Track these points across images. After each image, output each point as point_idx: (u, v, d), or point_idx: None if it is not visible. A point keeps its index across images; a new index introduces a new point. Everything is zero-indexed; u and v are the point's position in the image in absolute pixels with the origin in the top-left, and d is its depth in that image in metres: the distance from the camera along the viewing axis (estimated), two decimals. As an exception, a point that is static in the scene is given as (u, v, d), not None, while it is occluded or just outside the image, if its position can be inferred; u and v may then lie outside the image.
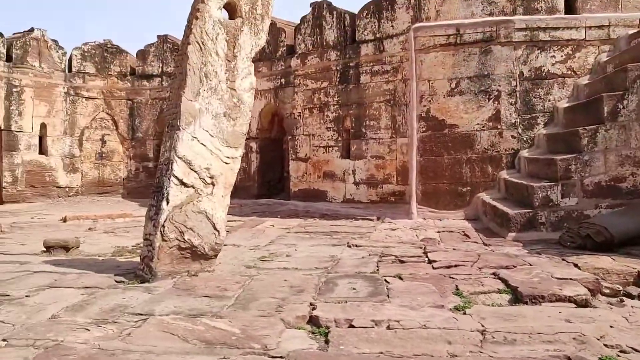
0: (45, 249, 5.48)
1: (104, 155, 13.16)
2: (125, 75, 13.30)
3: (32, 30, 12.10)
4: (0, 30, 11.34)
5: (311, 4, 10.22)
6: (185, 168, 4.08)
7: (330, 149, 9.86)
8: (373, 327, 2.72)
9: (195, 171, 4.13)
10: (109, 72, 13.15)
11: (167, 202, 3.99)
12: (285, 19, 11.43)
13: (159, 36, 13.25)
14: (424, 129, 7.87)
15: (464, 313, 3.00)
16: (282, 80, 10.60)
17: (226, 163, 4.34)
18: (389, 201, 8.97)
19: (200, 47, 4.20)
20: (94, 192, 12.91)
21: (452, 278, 3.84)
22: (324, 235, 6.36)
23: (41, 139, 12.07)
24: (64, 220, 8.47)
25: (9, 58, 11.46)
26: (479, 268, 4.18)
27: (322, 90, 9.93)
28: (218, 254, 4.35)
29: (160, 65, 13.10)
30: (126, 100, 13.24)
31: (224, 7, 4.37)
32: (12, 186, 11.46)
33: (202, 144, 4.19)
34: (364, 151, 9.34)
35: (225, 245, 4.66)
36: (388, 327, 2.72)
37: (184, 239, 4.05)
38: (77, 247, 5.63)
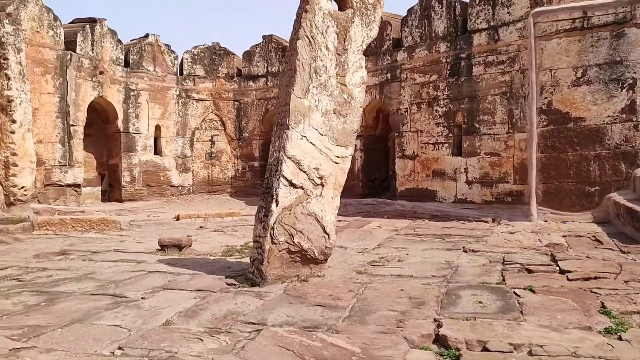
0: (160, 247, 5.61)
1: (213, 155, 13.58)
2: (232, 76, 13.63)
3: (146, 36, 12.73)
4: (119, 37, 11.96)
5: (419, -6, 9.81)
6: (295, 168, 3.91)
7: (440, 145, 9.39)
8: (512, 351, 2.36)
9: (305, 171, 3.95)
10: (217, 74, 13.54)
11: (277, 204, 3.84)
12: (390, 11, 11.08)
13: (264, 36, 13.43)
14: (545, 123, 7.21)
15: (619, 338, 2.55)
16: (388, 75, 10.27)
17: (336, 163, 4.12)
18: (505, 201, 8.36)
19: (310, 42, 4.01)
20: (204, 191, 13.36)
21: (595, 293, 3.35)
22: (436, 239, 5.98)
23: (156, 140, 12.67)
24: (177, 218, 8.75)
25: (126, 63, 12.12)
26: (625, 281, 3.63)
27: (431, 84, 9.48)
28: (328, 258, 4.15)
29: (266, 65, 13.26)
30: (233, 101, 13.57)
31: (333, -1, 4.16)
32: (131, 185, 12.12)
33: (311, 142, 4.00)
34: (477, 148, 8.77)
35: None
36: (530, 353, 2.34)
37: (293, 242, 3.89)
38: (190, 246, 5.72)
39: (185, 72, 13.32)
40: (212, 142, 13.60)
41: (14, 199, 8.47)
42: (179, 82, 13.12)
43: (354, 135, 4.26)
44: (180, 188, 13.07)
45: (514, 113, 8.28)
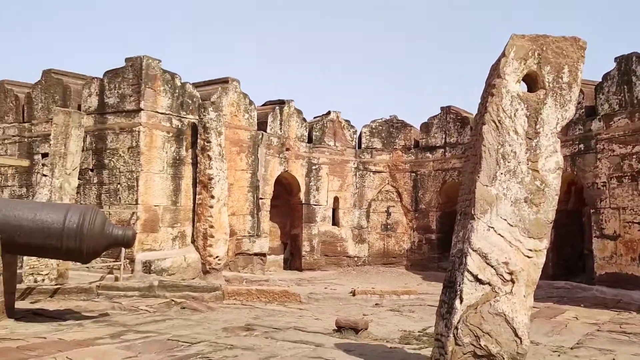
0: (336, 329, 5.58)
1: (388, 226, 13.57)
2: (409, 148, 13.68)
3: (328, 113, 13.47)
4: (304, 115, 12.85)
5: (616, 59, 8.92)
6: (481, 262, 3.61)
7: (648, 225, 8.17)
8: None
9: (492, 266, 3.63)
10: (394, 146, 13.71)
11: (461, 301, 3.56)
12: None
13: (442, 108, 13.35)
14: None
15: None
16: (581, 145, 9.39)
17: (528, 257, 3.72)
18: None
19: (497, 126, 3.77)
20: (379, 263, 13.31)
21: None
22: (651, 341, 5.06)
23: (334, 211, 13.10)
24: (353, 294, 8.75)
25: (309, 139, 12.89)
26: None
27: (634, 156, 8.40)
28: (520, 365, 3.69)
29: (443, 136, 13.09)
30: (409, 172, 13.55)
31: (522, 80, 3.90)
32: (310, 254, 12.58)
33: (499, 234, 3.68)
34: (697, 229, 7.46)
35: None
36: None
37: (479, 344, 3.54)
38: (366, 329, 5.60)
39: (363, 145, 13.74)
40: (388, 214, 13.63)
41: (209, 268, 9.25)
42: (357, 155, 13.55)
43: (549, 227, 3.84)
44: (356, 259, 13.20)
45: None
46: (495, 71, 3.87)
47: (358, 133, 13.87)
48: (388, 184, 13.65)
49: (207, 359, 4.26)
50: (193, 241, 9.47)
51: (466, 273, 3.60)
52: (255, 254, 11.12)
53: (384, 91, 39.86)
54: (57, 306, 6.79)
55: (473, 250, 3.62)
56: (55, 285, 7.43)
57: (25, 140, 10.07)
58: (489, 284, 3.62)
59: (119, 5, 39.25)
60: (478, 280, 3.60)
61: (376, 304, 7.88)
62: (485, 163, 3.75)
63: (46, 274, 7.60)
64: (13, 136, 10.25)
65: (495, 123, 3.79)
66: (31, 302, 6.87)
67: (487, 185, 3.72)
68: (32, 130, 10.05)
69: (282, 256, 12.71)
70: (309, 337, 5.26)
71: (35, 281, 7.51)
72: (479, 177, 3.73)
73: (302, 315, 6.96)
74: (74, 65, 17.42)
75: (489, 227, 3.67)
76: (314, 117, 13.70)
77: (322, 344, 4.94)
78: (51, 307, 6.68)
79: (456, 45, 38.26)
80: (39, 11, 36.71)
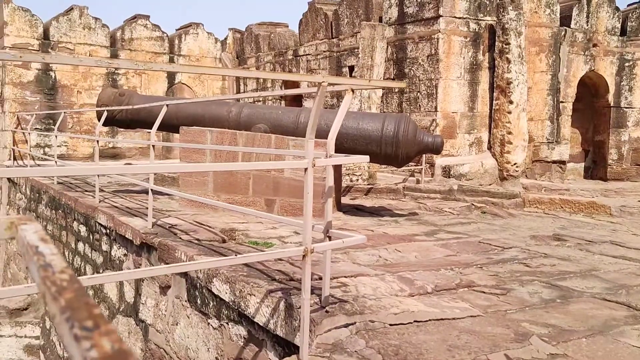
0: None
1: None
2: None
3: (650, -3, 11.38)
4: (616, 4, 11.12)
5: None
6: None
7: None
8: None
9: None
10: None
11: None
12: None
13: None
14: None
15: None
16: None
17: None
18: None
19: None
20: None
21: None
22: None
23: (650, 114, 11.38)
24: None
25: (622, 32, 11.18)
26: None
27: None
28: None
29: None
30: None
31: None
32: (617, 163, 11.34)
33: None
34: None
35: None
36: None
37: None
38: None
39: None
40: None
41: (507, 174, 9.18)
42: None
43: None
44: (676, 170, 11.41)
45: None
46: None
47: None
48: None
49: (525, 264, 4.35)
50: (489, 147, 9.43)
51: None
52: (554, 162, 10.53)
53: None
54: (371, 203, 7.68)
55: None
56: (368, 185, 8.37)
57: (335, 54, 11.14)
58: None
59: None
60: None
61: None
62: None
63: (359, 175, 8.59)
64: (324, 51, 11.43)
65: None
66: (351, 199, 7.91)
67: None
68: (340, 45, 11.03)
69: (582, 164, 11.74)
70: (631, 254, 4.89)
71: (351, 181, 8.57)
72: None
73: (615, 229, 6.45)
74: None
75: None
76: (628, 5, 11.75)
77: (649, 262, 4.55)
78: (367, 204, 7.59)
79: None
80: None
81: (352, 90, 2.53)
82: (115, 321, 5.05)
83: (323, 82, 2.23)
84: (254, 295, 2.88)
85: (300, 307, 2.48)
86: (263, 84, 14.15)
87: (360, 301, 2.78)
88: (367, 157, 3.03)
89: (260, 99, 12.62)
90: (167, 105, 4.93)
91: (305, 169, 2.23)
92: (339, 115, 2.50)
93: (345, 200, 7.61)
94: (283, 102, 12.55)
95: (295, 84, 12.39)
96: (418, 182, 8.81)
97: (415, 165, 9.00)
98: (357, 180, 8.59)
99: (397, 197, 8.05)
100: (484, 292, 3.41)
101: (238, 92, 15.52)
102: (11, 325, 7.39)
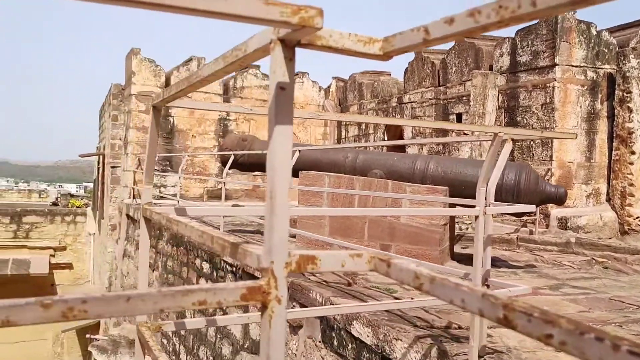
0: None
1: None
2: None
3: None
4: None
5: None
6: None
7: None
8: None
9: None
10: None
11: None
12: None
13: None
14: None
15: None
16: None
17: None
18: None
19: None
20: None
21: None
22: None
23: None
24: None
25: None
26: None
27: None
28: None
29: None
30: None
31: None
32: None
33: None
34: None
35: None
36: None
37: None
38: None
39: None
40: None
41: (628, 228, 8.67)
42: None
43: None
44: None
45: None
46: None
47: None
48: None
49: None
50: (608, 199, 8.96)
51: None
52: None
53: None
54: (484, 253, 7.51)
55: None
56: (478, 234, 8.20)
57: (441, 102, 11.21)
58: None
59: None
60: None
61: None
62: None
63: (469, 223, 8.45)
64: (430, 99, 11.54)
65: None
66: (462, 248, 7.78)
67: None
68: (447, 93, 11.09)
69: None
70: None
71: (460, 229, 8.45)
72: None
73: None
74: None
75: None
76: None
77: None
78: (479, 254, 7.43)
79: None
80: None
81: (513, 141, 2.58)
82: (239, 358, 5.24)
83: (499, 132, 2.31)
84: (401, 340, 2.93)
85: (455, 355, 2.50)
86: (365, 130, 14.42)
87: (515, 353, 2.75)
88: (532, 207, 3.04)
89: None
90: (299, 150, 5.21)
91: (476, 217, 2.29)
92: (499, 164, 2.56)
93: (456, 249, 7.51)
94: (384, 148, 12.71)
95: (397, 132, 12.52)
96: (531, 232, 8.52)
97: (528, 216, 8.73)
98: (467, 228, 8.46)
99: (510, 248, 7.83)
100: (635, 354, 3.24)
101: (339, 137, 15.92)
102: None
